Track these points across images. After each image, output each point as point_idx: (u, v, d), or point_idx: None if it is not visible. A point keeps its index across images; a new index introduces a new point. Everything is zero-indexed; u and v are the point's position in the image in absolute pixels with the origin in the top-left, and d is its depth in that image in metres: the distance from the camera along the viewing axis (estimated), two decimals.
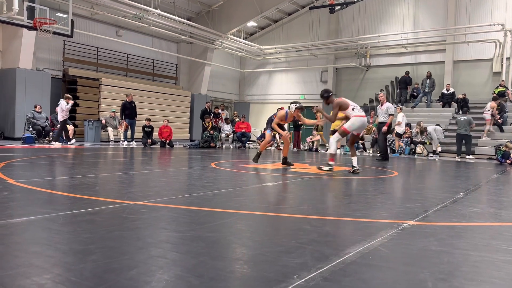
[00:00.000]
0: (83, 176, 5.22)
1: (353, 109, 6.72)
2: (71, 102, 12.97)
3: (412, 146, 15.01)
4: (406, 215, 3.45)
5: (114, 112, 15.97)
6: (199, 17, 20.75)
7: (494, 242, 2.68)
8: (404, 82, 18.77)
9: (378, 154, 11.72)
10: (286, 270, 1.95)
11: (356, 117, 6.66)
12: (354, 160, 6.91)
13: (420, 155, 14.44)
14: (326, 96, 7.02)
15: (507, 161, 11.40)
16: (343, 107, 6.76)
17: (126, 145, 14.36)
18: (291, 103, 7.73)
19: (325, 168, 6.75)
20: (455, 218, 3.42)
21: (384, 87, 19.72)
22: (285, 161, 7.90)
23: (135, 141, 14.90)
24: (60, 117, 12.80)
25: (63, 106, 12.70)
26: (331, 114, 7.36)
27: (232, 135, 16.91)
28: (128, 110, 14.57)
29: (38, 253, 2.11)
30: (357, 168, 6.87)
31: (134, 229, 2.65)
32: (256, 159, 8.03)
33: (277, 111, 8.10)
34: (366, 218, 3.34)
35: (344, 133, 6.77)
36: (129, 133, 14.93)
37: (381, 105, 11.02)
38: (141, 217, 2.99)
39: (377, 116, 11.27)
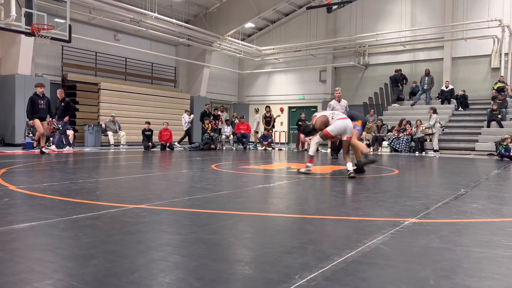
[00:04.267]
0: (84, 180, 5.22)
1: (332, 118, 6.41)
2: (192, 115, 16.30)
3: (413, 143, 15.01)
4: (407, 212, 3.44)
5: (113, 116, 15.99)
6: (197, 20, 20.77)
7: (495, 238, 2.68)
8: (394, 80, 18.86)
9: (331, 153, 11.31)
10: (288, 271, 1.95)
11: (337, 121, 6.33)
12: (349, 165, 6.35)
13: (426, 153, 14.43)
14: (309, 132, 6.69)
15: (510, 154, 11.35)
16: (325, 123, 6.42)
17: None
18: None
19: (302, 169, 6.50)
20: (456, 215, 3.42)
21: (383, 85, 19.75)
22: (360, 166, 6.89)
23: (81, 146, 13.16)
24: (184, 128, 16.06)
25: (186, 119, 15.95)
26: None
27: (232, 136, 16.92)
28: (57, 110, 12.01)
29: (39, 258, 2.11)
30: (351, 172, 6.24)
31: (135, 232, 2.65)
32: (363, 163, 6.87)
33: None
34: (367, 217, 3.34)
35: (326, 137, 6.41)
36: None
37: (339, 102, 10.71)
38: (142, 220, 2.99)
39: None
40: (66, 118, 11.98)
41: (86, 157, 10.03)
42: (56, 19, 13.84)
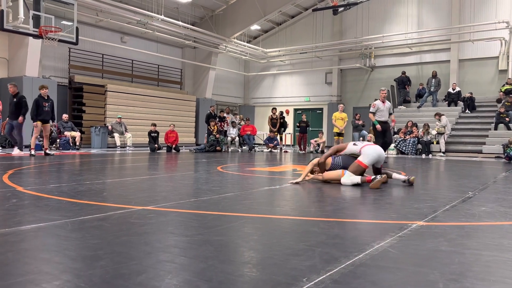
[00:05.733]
0: (90, 182, 5.24)
1: (354, 144, 5.79)
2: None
3: (419, 146, 14.93)
4: (415, 215, 3.42)
5: (120, 118, 16.07)
6: (203, 22, 20.83)
7: (505, 241, 2.65)
8: (401, 81, 18.80)
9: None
10: (295, 273, 1.94)
11: (367, 147, 5.58)
12: (396, 175, 5.83)
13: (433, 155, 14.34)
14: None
15: None
16: (340, 149, 5.93)
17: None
18: None
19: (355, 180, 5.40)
20: (464, 218, 3.39)
21: (389, 88, 19.66)
22: None
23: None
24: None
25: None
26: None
27: (237, 138, 16.93)
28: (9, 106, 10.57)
29: (47, 259, 2.12)
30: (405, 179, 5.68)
31: (142, 234, 2.65)
32: None
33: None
34: (374, 219, 3.32)
35: (359, 167, 5.47)
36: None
37: (384, 102, 9.87)
38: (148, 222, 3.00)
39: (374, 113, 9.75)
40: (20, 119, 10.39)
41: (93, 158, 10.08)
42: (64, 22, 13.94)
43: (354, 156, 5.67)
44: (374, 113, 9.78)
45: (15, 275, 1.86)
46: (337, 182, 5.55)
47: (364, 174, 5.61)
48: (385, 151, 10.12)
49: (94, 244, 2.38)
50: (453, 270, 2.04)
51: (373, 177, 5.25)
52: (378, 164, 5.66)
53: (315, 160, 5.94)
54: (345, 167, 5.63)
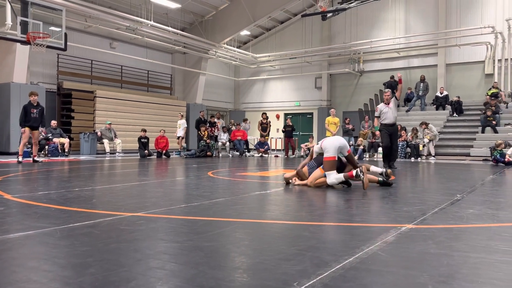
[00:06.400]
0: (80, 189, 5.19)
1: (317, 144, 5.96)
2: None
3: (408, 149, 15.05)
4: (404, 218, 3.45)
5: (109, 124, 15.97)
6: (193, 28, 20.85)
7: (492, 243, 2.69)
8: (390, 86, 19.01)
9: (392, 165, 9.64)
10: (286, 278, 1.94)
11: (325, 141, 5.74)
12: (376, 168, 6.03)
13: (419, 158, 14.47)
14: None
15: (505, 159, 11.39)
16: (311, 155, 6.09)
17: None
18: None
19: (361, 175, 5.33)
20: (453, 220, 3.43)
21: (378, 92, 19.84)
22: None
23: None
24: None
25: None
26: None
27: (228, 143, 16.92)
28: None
29: (36, 268, 2.09)
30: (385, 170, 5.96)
31: (132, 241, 2.63)
32: None
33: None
34: (364, 223, 3.34)
35: (330, 164, 5.54)
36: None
37: (388, 104, 9.58)
38: (138, 228, 2.98)
39: (379, 117, 9.55)
40: None
41: (82, 165, 9.98)
42: (52, 28, 13.83)
43: (322, 153, 5.80)
44: (378, 117, 9.62)
45: (3, 284, 1.84)
46: (324, 183, 5.62)
47: (344, 171, 5.75)
48: (394, 159, 9.78)
49: (83, 251, 2.36)
50: (442, 272, 2.07)
51: (354, 171, 5.36)
52: (344, 150, 5.70)
53: (292, 173, 6.08)
54: (320, 165, 5.78)
